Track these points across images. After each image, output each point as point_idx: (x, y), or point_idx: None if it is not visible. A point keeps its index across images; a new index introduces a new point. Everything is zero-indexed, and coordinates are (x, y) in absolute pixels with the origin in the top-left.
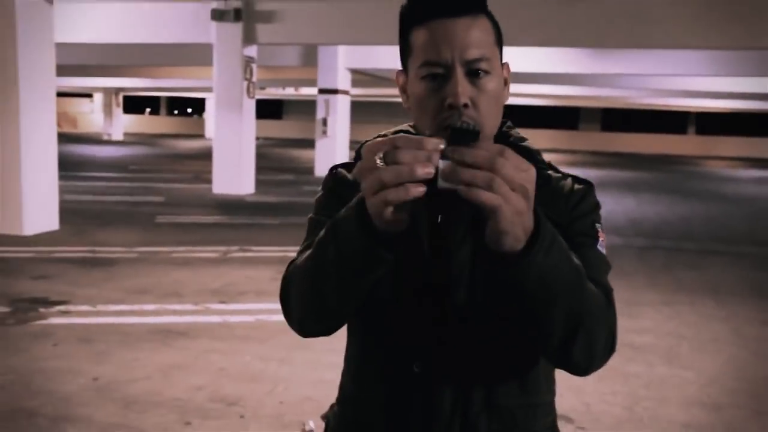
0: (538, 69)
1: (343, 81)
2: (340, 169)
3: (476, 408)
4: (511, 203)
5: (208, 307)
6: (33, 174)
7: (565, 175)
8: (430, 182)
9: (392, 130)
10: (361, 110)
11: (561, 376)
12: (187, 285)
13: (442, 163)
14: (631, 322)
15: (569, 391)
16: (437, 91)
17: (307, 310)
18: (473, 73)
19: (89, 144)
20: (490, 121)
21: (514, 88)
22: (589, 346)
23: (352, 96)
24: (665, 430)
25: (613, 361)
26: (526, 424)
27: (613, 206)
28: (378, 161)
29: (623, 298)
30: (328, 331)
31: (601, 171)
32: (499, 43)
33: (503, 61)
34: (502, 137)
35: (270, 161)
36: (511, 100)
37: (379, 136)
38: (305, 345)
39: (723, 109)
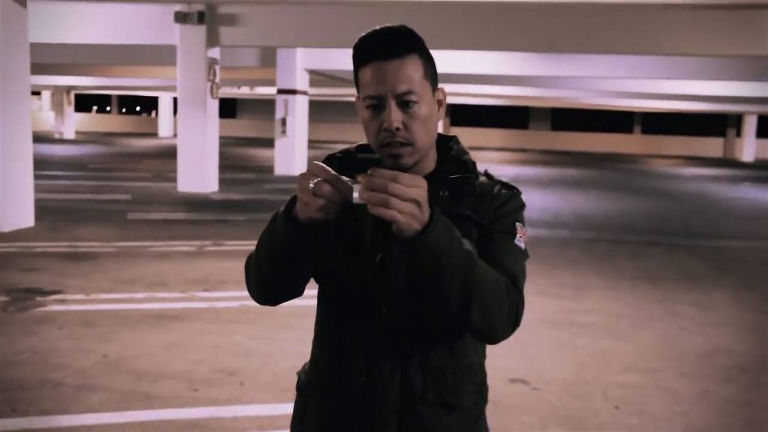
0: (490, 71)
1: (302, 81)
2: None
3: (412, 367)
4: (405, 211)
5: (194, 295)
6: (10, 172)
7: (496, 182)
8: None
9: (354, 146)
10: (318, 110)
11: (516, 347)
12: (171, 276)
13: (356, 187)
14: (577, 304)
15: (524, 359)
16: (377, 117)
17: (256, 279)
18: (404, 104)
19: (42, 143)
20: (422, 138)
21: (468, 88)
22: (486, 316)
23: (310, 96)
24: (606, 390)
25: (563, 335)
26: (455, 381)
27: (561, 203)
28: (311, 184)
29: (571, 284)
30: (273, 300)
31: (550, 169)
32: (431, 74)
33: (437, 87)
34: (445, 152)
35: (229, 160)
36: (465, 100)
37: (339, 152)
38: (289, 325)
39: (667, 109)
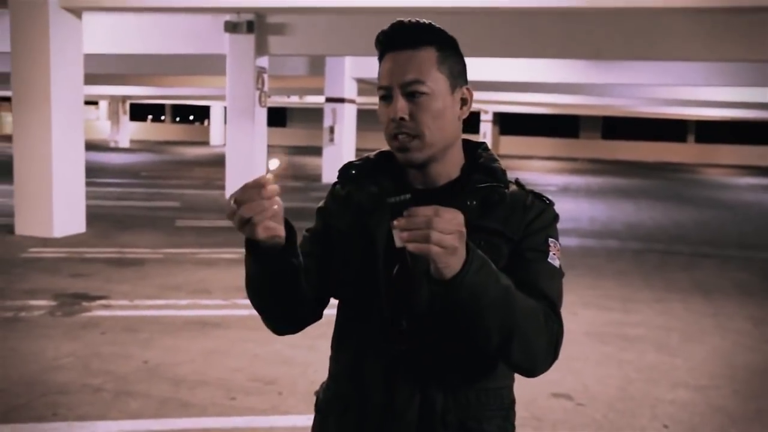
0: (539, 78)
1: (350, 90)
2: (337, 186)
3: (433, 387)
4: (448, 245)
5: (236, 302)
6: (63, 180)
7: (528, 192)
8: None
9: (374, 153)
10: (366, 118)
11: (561, 360)
12: (214, 283)
13: (396, 231)
14: (625, 317)
15: (569, 373)
16: (386, 108)
17: (259, 313)
18: (411, 94)
19: (98, 151)
20: (433, 132)
21: (516, 97)
22: (526, 351)
23: (358, 104)
24: (654, 406)
25: (609, 349)
26: (479, 405)
27: (611, 212)
28: (232, 203)
29: (619, 296)
30: (285, 328)
31: (600, 178)
32: (450, 69)
33: (461, 85)
34: (473, 159)
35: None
36: (513, 109)
37: (358, 159)
38: (328, 335)
39: (722, 117)
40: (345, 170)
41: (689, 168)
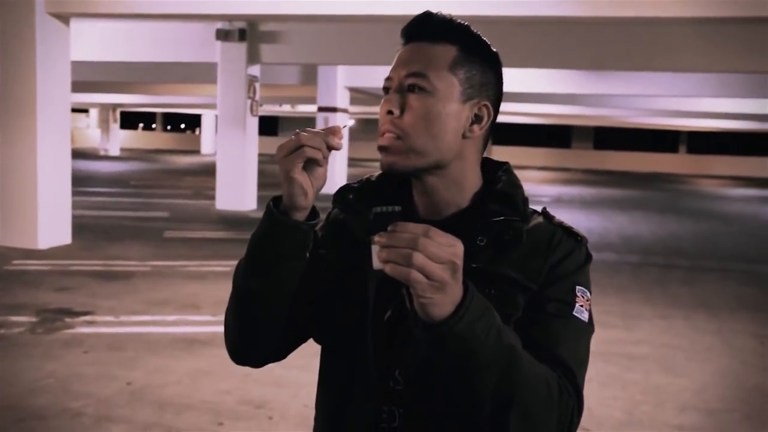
0: (531, 89)
1: (342, 99)
2: (335, 210)
3: None
4: (435, 277)
5: None
6: (48, 189)
7: (555, 226)
8: (369, 266)
9: (376, 174)
10: (359, 128)
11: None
12: (203, 298)
13: (375, 248)
14: (627, 334)
15: None
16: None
17: (231, 330)
18: (410, 88)
19: (87, 159)
20: (422, 138)
21: (509, 107)
22: (528, 427)
23: (351, 114)
24: None
25: (613, 369)
26: None
27: (606, 224)
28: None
29: (619, 312)
30: (248, 351)
31: (593, 189)
32: (467, 74)
33: (478, 98)
34: (491, 184)
35: (269, 178)
36: (506, 119)
37: (357, 181)
38: None
39: (714, 128)
40: (341, 194)
41: (681, 179)
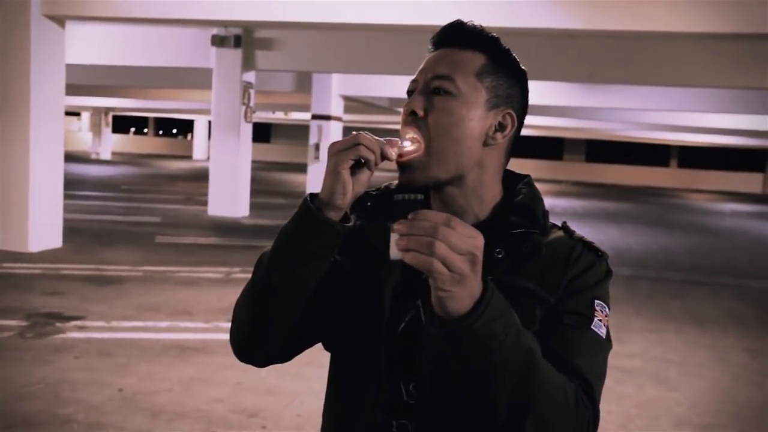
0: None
1: (336, 107)
2: (352, 216)
3: None
4: (454, 266)
5: (219, 326)
6: (40, 192)
7: (575, 240)
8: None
9: (395, 182)
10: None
11: None
12: (196, 304)
13: (393, 236)
14: (620, 347)
15: None
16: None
17: (244, 320)
18: (435, 91)
19: (78, 162)
20: (439, 139)
21: None
22: None
23: (345, 122)
24: None
25: (607, 381)
26: None
27: (598, 236)
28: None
29: (612, 325)
30: (256, 348)
31: (584, 201)
32: (495, 83)
33: (504, 107)
34: (510, 196)
35: (261, 184)
36: None
37: (375, 189)
38: (316, 362)
39: (705, 143)
40: (359, 201)
41: (672, 192)
